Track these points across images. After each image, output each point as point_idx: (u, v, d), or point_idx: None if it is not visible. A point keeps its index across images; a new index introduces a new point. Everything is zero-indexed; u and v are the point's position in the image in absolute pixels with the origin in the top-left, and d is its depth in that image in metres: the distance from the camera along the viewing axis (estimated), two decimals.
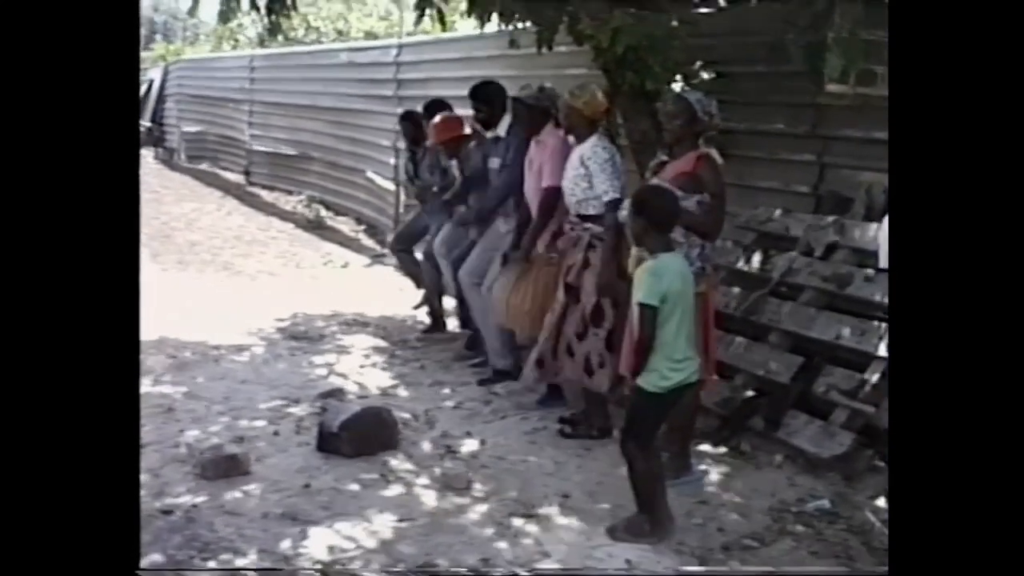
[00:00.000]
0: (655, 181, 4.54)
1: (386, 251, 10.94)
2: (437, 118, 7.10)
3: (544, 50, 7.18)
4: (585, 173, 5.30)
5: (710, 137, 4.85)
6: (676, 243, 4.31)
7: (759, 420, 5.17)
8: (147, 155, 19.64)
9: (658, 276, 3.98)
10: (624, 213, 4.86)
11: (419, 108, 7.86)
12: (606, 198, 5.18)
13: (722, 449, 5.15)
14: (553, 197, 5.60)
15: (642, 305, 3.98)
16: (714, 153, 4.63)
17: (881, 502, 4.51)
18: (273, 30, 7.62)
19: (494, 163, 6.37)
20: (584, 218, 5.34)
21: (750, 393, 5.35)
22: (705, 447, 5.15)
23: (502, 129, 6.40)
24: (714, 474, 4.88)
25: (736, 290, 5.82)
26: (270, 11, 7.13)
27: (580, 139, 5.44)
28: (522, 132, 5.98)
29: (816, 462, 4.84)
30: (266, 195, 14.96)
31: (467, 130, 6.94)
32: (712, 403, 5.30)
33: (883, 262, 3.15)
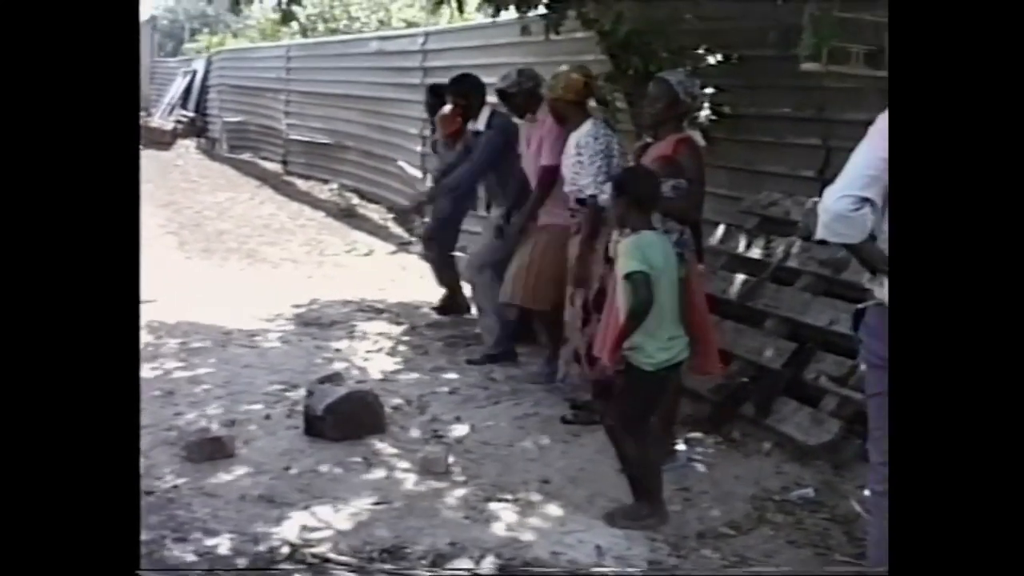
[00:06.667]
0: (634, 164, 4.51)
1: (412, 239, 10.99)
2: (442, 111, 7.18)
3: (559, 36, 7.17)
4: (580, 160, 5.30)
5: (695, 120, 4.80)
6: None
7: (750, 407, 5.10)
8: (190, 145, 19.86)
9: (640, 247, 4.02)
10: (605, 197, 4.86)
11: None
12: (587, 191, 5.18)
13: (713, 436, 5.09)
14: (550, 175, 5.63)
15: (631, 275, 3.97)
16: (696, 136, 4.59)
17: (868, 492, 4.42)
18: (286, 18, 7.64)
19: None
20: (584, 203, 5.32)
21: (743, 380, 5.27)
22: (696, 434, 5.10)
23: (482, 122, 6.47)
24: (700, 461, 4.82)
25: (738, 276, 5.76)
26: None
27: (575, 126, 5.41)
28: (508, 125, 6.04)
29: (804, 450, 4.77)
30: (301, 184, 15.03)
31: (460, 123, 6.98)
32: (705, 389, 5.25)
33: (820, 233, 3.10)
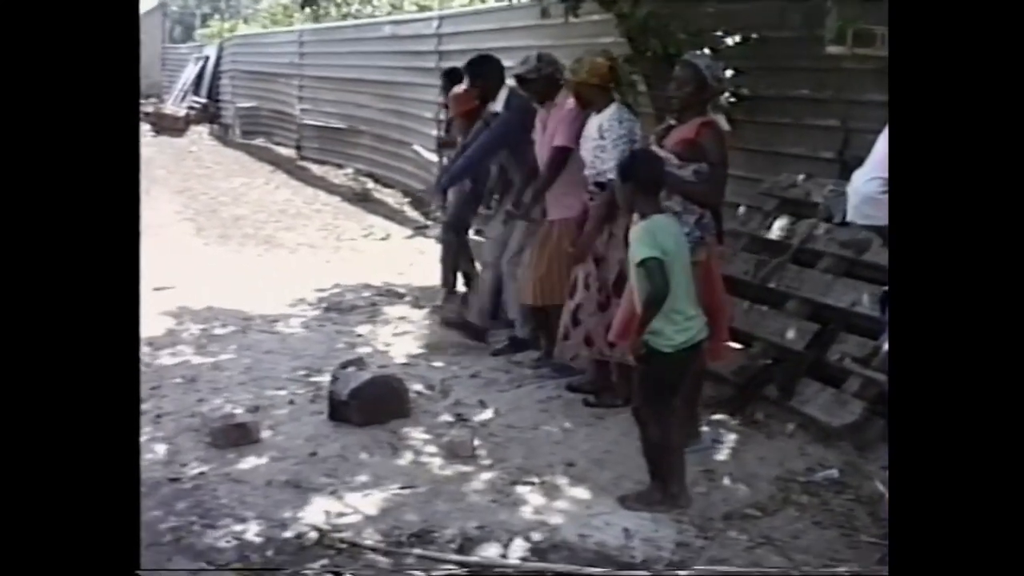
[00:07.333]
0: (654, 147, 4.50)
1: (429, 223, 10.99)
2: (455, 90, 7.15)
3: (577, 19, 7.15)
4: (603, 144, 5.28)
5: (717, 103, 4.78)
6: (672, 211, 4.29)
7: (774, 389, 5.10)
8: (203, 131, 19.90)
9: (651, 232, 4.02)
10: None
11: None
12: (609, 176, 5.14)
13: (736, 418, 5.09)
14: (561, 156, 5.61)
15: (645, 261, 3.97)
16: (720, 120, 4.57)
17: None
18: (307, 1, 7.66)
19: None
20: (603, 187, 5.30)
21: (766, 361, 5.28)
22: (720, 416, 5.10)
23: (499, 104, 6.44)
24: (724, 443, 4.83)
25: (757, 257, 5.75)
26: None
27: (599, 110, 5.39)
28: (527, 106, 6.01)
29: (828, 431, 4.77)
30: (316, 169, 15.06)
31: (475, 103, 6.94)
32: (728, 372, 5.26)
33: (849, 215, 3.09)
